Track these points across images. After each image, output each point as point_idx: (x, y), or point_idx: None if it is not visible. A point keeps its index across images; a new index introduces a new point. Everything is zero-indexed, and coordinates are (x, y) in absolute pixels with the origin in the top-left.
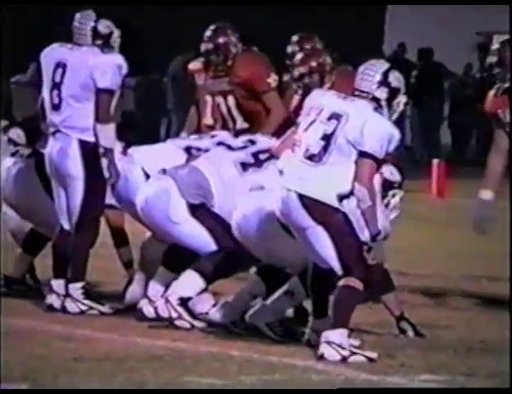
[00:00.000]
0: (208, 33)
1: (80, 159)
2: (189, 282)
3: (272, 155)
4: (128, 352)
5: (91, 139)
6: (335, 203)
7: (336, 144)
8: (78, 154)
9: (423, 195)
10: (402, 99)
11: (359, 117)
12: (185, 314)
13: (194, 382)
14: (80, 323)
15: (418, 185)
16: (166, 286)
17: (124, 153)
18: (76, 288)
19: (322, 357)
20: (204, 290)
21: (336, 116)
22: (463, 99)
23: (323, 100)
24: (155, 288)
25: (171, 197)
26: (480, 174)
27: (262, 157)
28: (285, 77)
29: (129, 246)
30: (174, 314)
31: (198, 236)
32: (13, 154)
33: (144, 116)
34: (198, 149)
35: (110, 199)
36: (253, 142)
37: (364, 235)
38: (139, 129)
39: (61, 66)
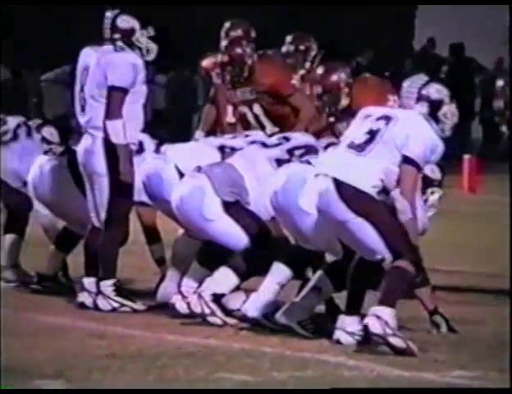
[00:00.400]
0: (223, 43)
1: (104, 157)
2: (223, 279)
3: (308, 151)
4: (160, 349)
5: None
6: (372, 192)
7: (381, 139)
8: (102, 152)
9: (455, 191)
10: (449, 110)
11: (408, 122)
12: (217, 311)
13: (227, 378)
14: (112, 321)
15: (449, 181)
16: (200, 283)
17: (157, 151)
18: (107, 285)
19: (365, 328)
20: (237, 288)
21: (385, 118)
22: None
23: (372, 110)
24: (188, 284)
25: (206, 195)
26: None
27: (297, 153)
28: None
29: (161, 243)
30: (206, 310)
31: (232, 234)
32: (46, 152)
33: (175, 113)
34: (232, 148)
35: (142, 196)
36: (287, 139)
37: None
38: (170, 126)
39: (86, 68)
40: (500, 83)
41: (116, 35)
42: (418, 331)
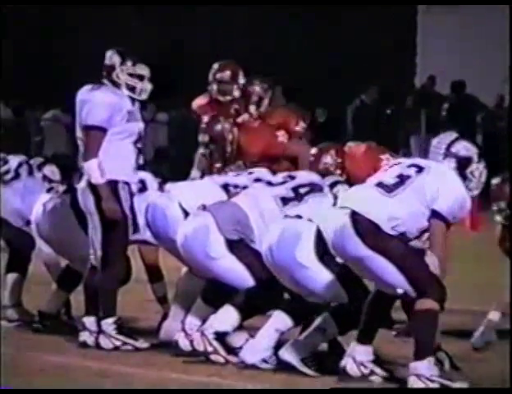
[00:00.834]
0: (212, 86)
1: (92, 196)
2: (226, 317)
3: (313, 189)
4: (163, 388)
5: (108, 177)
6: (388, 230)
7: (410, 185)
8: (89, 191)
9: (457, 227)
10: (477, 168)
11: (440, 175)
12: (220, 349)
13: None
14: (115, 359)
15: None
16: (204, 320)
17: (160, 189)
18: (108, 324)
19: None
20: (240, 326)
21: (417, 166)
22: (495, 132)
23: (403, 159)
24: (192, 322)
25: (210, 233)
26: None
27: (302, 190)
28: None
29: (163, 281)
30: (209, 348)
31: (236, 272)
32: (49, 190)
33: (177, 151)
34: (236, 186)
35: (144, 235)
36: (292, 177)
37: None
38: (172, 164)
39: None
40: (495, 181)
41: (104, 73)
42: None
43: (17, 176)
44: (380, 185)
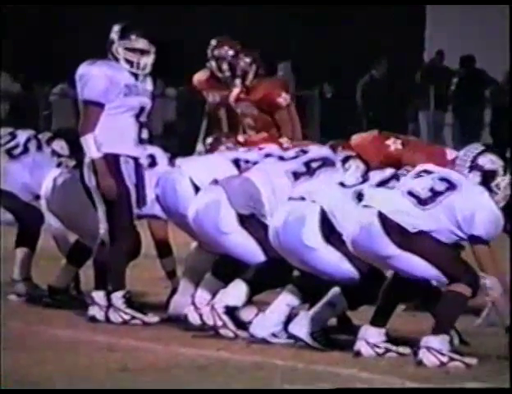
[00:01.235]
0: (211, 62)
1: (92, 172)
2: (237, 292)
3: (325, 163)
4: (172, 362)
5: (106, 151)
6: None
7: (441, 204)
8: (90, 167)
9: None
10: (502, 181)
11: (473, 197)
12: (229, 323)
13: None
14: (124, 334)
15: None
16: (214, 295)
17: (170, 164)
18: (118, 297)
19: (420, 363)
20: (249, 301)
21: (448, 182)
22: (504, 106)
23: (433, 167)
24: (202, 296)
25: (222, 208)
26: None
27: (314, 165)
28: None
29: (172, 256)
30: (219, 322)
31: (247, 247)
32: (59, 165)
33: (185, 126)
34: (247, 161)
35: (153, 209)
36: (304, 151)
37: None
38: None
39: None
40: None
41: (108, 47)
42: None
43: (26, 150)
44: (411, 194)
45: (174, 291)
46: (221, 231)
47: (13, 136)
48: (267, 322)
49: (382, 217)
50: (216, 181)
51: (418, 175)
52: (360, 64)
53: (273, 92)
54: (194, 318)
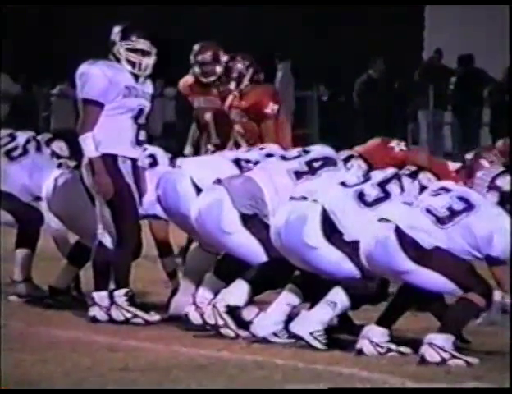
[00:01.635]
0: (194, 68)
1: (91, 172)
2: (238, 291)
3: (326, 162)
4: (173, 362)
5: (104, 151)
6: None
7: (458, 224)
8: (89, 166)
9: None
10: None
11: (491, 219)
12: (230, 323)
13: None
14: (126, 334)
15: None
16: (215, 294)
17: (171, 164)
18: (120, 295)
19: (422, 358)
20: (251, 301)
21: (466, 201)
22: (504, 105)
23: (452, 185)
24: (204, 295)
25: (224, 207)
26: None
27: (316, 164)
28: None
29: (173, 256)
30: (220, 322)
31: (250, 247)
32: (59, 166)
33: (185, 126)
34: (247, 161)
35: (154, 209)
36: (306, 151)
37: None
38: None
39: None
40: (469, 156)
41: (109, 48)
42: None
43: (25, 152)
44: (430, 212)
45: (175, 291)
46: (223, 230)
47: (12, 138)
48: (267, 321)
49: (399, 232)
50: (218, 181)
51: (437, 192)
52: (359, 64)
53: (262, 101)
54: (195, 318)
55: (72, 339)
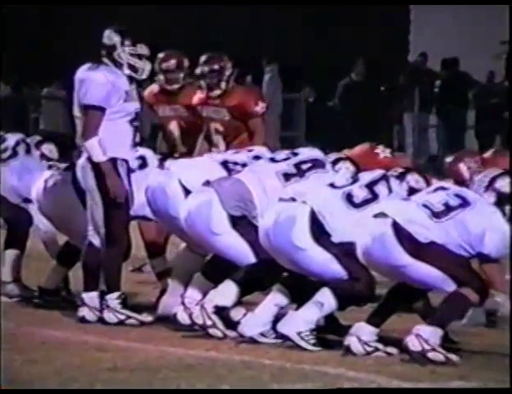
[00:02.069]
0: (159, 76)
1: (92, 174)
2: (227, 292)
3: (315, 165)
4: (162, 362)
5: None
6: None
7: (453, 219)
8: (90, 169)
9: None
10: None
11: (486, 217)
12: (218, 323)
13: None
14: (115, 334)
15: None
16: (204, 295)
17: (161, 166)
18: (113, 298)
19: (405, 348)
20: (238, 301)
21: (462, 198)
22: (489, 108)
23: (449, 185)
24: (192, 296)
25: (213, 209)
26: None
27: (304, 167)
28: None
29: (162, 257)
30: (208, 322)
31: (238, 248)
32: (50, 167)
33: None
34: (235, 163)
35: (144, 211)
36: (295, 154)
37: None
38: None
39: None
40: (449, 159)
41: (104, 52)
42: None
43: (15, 154)
44: (426, 206)
45: (163, 292)
46: (212, 231)
47: (2, 140)
48: (255, 321)
49: (396, 227)
50: (207, 183)
51: (435, 190)
52: (344, 66)
53: (250, 100)
54: (183, 318)
55: (62, 339)
